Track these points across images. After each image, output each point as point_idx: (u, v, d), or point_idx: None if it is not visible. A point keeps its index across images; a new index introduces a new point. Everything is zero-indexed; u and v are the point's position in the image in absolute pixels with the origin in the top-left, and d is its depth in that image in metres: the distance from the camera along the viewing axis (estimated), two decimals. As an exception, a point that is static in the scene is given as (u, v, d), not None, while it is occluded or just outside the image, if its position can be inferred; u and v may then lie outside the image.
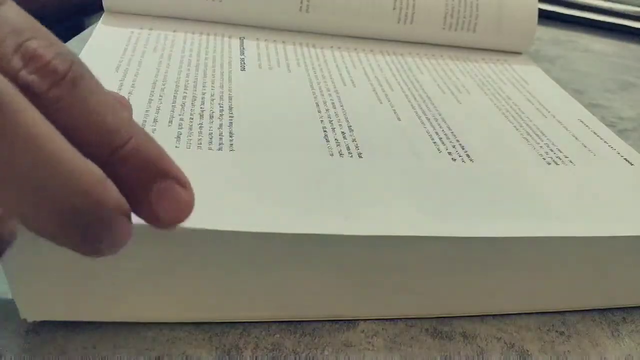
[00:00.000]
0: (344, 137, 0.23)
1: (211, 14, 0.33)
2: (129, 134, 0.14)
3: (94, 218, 0.13)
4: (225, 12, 0.33)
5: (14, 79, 0.13)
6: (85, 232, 0.13)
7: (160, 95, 0.24)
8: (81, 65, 0.14)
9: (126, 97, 0.23)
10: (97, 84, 0.14)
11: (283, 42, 0.32)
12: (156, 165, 0.14)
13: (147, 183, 0.14)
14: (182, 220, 0.15)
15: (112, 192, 0.13)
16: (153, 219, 0.15)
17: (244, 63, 0.29)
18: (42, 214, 0.12)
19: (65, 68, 0.13)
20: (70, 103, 0.13)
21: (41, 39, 0.14)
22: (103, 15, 0.31)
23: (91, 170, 0.13)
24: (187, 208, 0.15)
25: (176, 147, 0.21)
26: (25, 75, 0.13)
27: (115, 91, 0.23)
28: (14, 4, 0.14)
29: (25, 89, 0.13)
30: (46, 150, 0.12)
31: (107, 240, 0.13)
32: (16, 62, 0.13)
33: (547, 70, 0.37)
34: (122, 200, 0.13)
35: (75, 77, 0.14)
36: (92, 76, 0.14)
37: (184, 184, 0.15)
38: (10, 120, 0.11)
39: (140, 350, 0.17)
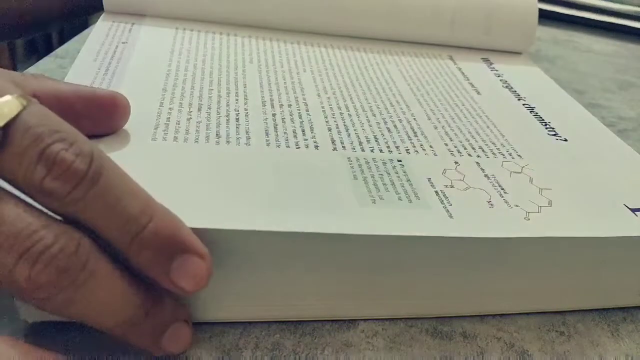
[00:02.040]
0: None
1: (209, 14, 0.33)
2: (147, 218, 0.15)
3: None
4: (223, 12, 0.33)
5: (39, 188, 0.14)
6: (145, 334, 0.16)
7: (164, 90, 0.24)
8: (101, 158, 0.15)
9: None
10: (116, 172, 0.15)
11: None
12: (175, 243, 0.15)
13: (167, 260, 0.15)
14: (202, 287, 0.16)
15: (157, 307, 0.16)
16: (175, 289, 0.16)
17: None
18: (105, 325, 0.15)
19: (85, 167, 0.14)
20: (91, 200, 0.14)
21: (61, 141, 0.14)
22: (102, 14, 0.31)
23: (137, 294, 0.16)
24: (205, 277, 0.16)
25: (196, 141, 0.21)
26: (49, 182, 0.14)
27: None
28: (35, 106, 0.15)
29: (50, 196, 0.14)
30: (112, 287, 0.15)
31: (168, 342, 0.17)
32: (40, 171, 0.14)
33: (547, 70, 0.37)
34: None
35: (95, 175, 0.14)
36: (111, 166, 0.15)
37: (201, 255, 0.16)
38: (87, 269, 0.14)
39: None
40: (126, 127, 0.21)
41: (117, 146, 0.20)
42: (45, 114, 0.15)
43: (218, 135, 0.22)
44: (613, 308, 0.22)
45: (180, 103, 0.24)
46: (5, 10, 0.40)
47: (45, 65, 0.32)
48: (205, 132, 0.22)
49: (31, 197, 0.15)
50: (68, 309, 0.15)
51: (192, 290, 0.16)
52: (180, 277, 0.15)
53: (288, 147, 0.22)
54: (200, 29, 0.32)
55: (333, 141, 0.23)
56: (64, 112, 0.16)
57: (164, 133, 0.21)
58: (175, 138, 0.21)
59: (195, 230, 0.16)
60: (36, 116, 0.15)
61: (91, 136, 0.18)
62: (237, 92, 0.25)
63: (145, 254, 0.15)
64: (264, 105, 0.25)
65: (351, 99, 0.27)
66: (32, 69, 0.31)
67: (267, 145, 0.22)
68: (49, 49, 1.49)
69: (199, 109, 0.23)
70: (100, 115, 0.19)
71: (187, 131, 0.22)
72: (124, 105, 0.20)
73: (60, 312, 0.15)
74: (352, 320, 0.20)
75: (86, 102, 0.19)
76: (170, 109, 0.23)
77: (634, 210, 0.22)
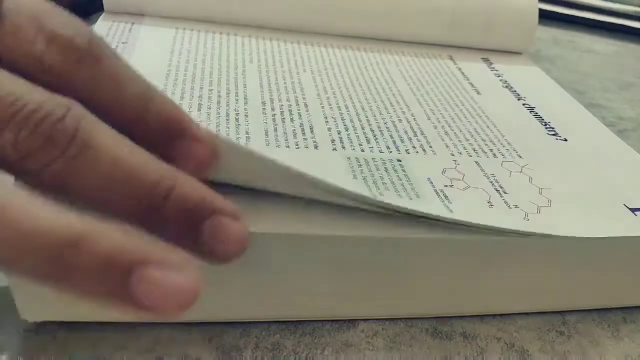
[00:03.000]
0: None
1: (211, 14, 0.33)
2: (171, 182, 0.14)
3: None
4: (223, 12, 0.33)
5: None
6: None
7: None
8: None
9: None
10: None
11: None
12: (204, 205, 0.14)
13: (197, 224, 0.14)
14: (239, 253, 0.14)
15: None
16: (210, 257, 0.14)
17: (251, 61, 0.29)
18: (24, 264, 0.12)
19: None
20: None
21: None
22: (102, 14, 0.31)
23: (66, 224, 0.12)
24: (241, 240, 0.14)
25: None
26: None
27: None
28: None
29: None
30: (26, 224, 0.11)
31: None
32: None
33: (547, 70, 0.37)
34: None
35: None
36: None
37: (235, 216, 0.14)
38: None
39: (140, 350, 0.17)
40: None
41: None
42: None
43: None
44: (613, 308, 0.22)
45: (180, 103, 0.24)
46: None
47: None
48: None
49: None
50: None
51: (229, 256, 0.14)
52: (214, 240, 0.14)
53: (288, 147, 0.22)
54: (200, 29, 0.32)
55: (333, 141, 0.23)
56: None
57: None
58: None
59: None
60: None
61: None
62: (237, 92, 0.25)
63: (175, 217, 0.13)
64: (263, 105, 0.25)
65: (351, 99, 0.27)
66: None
67: (267, 145, 0.22)
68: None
69: (199, 109, 0.23)
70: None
71: None
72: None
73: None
74: (352, 320, 0.20)
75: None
76: None
77: (634, 210, 0.22)
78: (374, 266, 0.19)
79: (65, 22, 0.14)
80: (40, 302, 0.17)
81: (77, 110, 0.13)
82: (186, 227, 0.14)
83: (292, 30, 0.34)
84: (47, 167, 0.13)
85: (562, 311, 0.22)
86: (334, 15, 0.34)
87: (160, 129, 0.15)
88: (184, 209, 0.14)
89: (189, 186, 0.14)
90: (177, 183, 0.14)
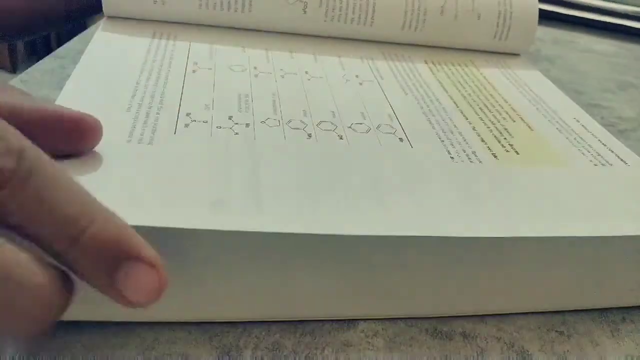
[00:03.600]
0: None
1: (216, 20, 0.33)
2: (87, 221, 0.13)
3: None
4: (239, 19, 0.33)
5: None
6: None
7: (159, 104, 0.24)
8: (32, 158, 0.13)
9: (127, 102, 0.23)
10: (52, 172, 0.14)
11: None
12: (117, 248, 0.14)
13: (111, 267, 0.14)
14: (153, 301, 0.14)
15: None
16: (124, 301, 0.14)
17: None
18: None
19: (12, 166, 0.13)
20: (22, 202, 0.13)
21: None
22: (103, 21, 0.31)
23: None
24: (153, 291, 0.14)
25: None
26: None
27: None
28: None
29: None
30: None
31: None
32: None
33: (547, 70, 0.37)
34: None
35: (25, 174, 0.13)
36: (46, 166, 0.14)
37: (151, 262, 0.14)
38: None
39: (140, 350, 0.17)
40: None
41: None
42: None
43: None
44: (613, 308, 0.22)
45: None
46: (9, 11, 0.41)
47: (45, 66, 0.32)
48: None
49: None
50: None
51: (142, 304, 0.14)
52: (127, 288, 0.14)
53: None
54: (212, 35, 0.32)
55: None
56: (21, 129, 0.14)
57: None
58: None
59: (198, 232, 0.16)
60: None
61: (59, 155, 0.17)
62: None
63: (86, 261, 0.13)
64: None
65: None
66: (32, 70, 0.31)
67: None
68: (47, 50, 1.49)
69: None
70: (65, 137, 0.18)
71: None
72: (92, 128, 0.18)
73: None
74: (352, 320, 0.20)
75: (49, 123, 0.17)
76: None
77: (632, 211, 0.22)
78: (374, 266, 0.19)
79: None
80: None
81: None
82: (100, 268, 0.14)
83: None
84: None
85: (562, 311, 0.22)
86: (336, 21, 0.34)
87: (98, 253, 0.13)
88: (98, 249, 0.13)
89: (106, 225, 0.14)
90: (95, 220, 0.13)
